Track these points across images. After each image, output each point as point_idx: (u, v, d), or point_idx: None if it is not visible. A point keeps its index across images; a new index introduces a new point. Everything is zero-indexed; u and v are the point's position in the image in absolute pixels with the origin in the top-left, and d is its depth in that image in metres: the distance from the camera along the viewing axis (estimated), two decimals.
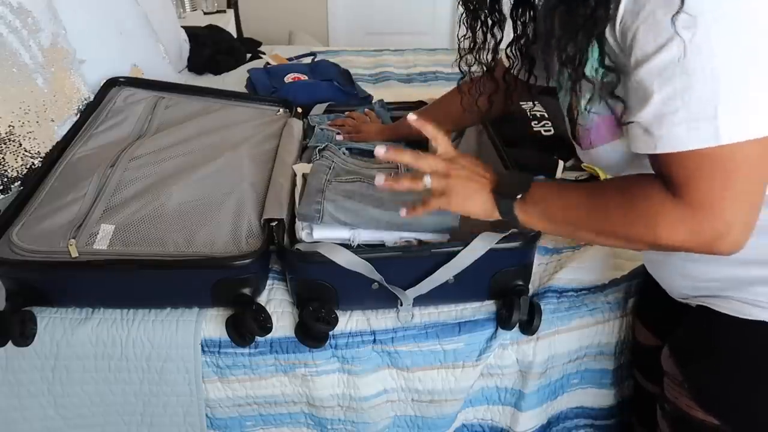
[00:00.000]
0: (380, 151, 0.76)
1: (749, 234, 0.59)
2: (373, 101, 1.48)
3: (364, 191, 0.98)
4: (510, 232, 0.93)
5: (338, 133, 1.28)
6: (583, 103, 0.68)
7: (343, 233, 0.96)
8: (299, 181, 1.08)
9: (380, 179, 0.77)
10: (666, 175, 0.61)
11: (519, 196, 0.72)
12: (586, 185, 0.72)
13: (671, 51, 0.55)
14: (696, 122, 0.56)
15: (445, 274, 0.92)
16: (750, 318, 0.69)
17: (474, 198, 0.76)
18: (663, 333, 0.88)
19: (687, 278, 0.76)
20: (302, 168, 1.11)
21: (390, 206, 0.96)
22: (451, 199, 0.76)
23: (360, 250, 0.92)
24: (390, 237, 0.96)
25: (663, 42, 0.55)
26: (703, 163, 0.57)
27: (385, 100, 1.47)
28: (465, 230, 1.01)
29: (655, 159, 0.62)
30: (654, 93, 0.57)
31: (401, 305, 0.96)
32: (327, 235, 0.95)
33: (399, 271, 0.93)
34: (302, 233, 0.96)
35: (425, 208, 0.79)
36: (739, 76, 0.54)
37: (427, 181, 0.77)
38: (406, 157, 0.78)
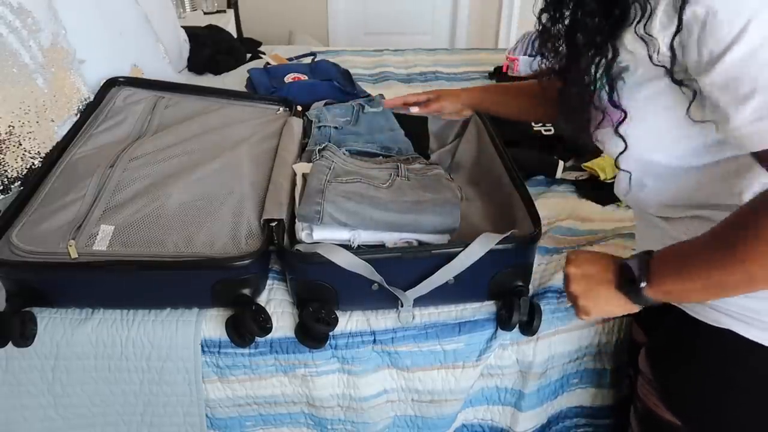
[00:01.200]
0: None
1: None
2: (374, 96, 1.48)
3: (364, 192, 0.98)
4: (510, 233, 0.93)
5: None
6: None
7: (343, 234, 0.96)
8: (299, 181, 1.08)
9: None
10: None
11: (643, 284, 0.66)
12: (701, 237, 0.63)
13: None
14: None
15: (446, 275, 0.92)
16: (721, 326, 0.69)
17: (606, 301, 0.73)
18: (653, 330, 0.89)
19: None
20: (302, 168, 1.11)
21: (390, 207, 0.96)
22: (588, 308, 0.74)
23: (360, 251, 0.92)
24: (390, 238, 0.96)
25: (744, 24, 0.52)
26: None
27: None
28: (465, 231, 1.01)
29: None
30: (758, 77, 0.54)
31: (401, 306, 0.96)
32: (327, 236, 0.95)
33: (399, 271, 0.93)
34: (302, 234, 0.96)
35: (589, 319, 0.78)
36: None
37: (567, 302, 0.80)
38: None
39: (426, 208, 0.97)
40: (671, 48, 0.59)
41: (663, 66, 0.61)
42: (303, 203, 0.96)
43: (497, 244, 0.91)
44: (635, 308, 0.71)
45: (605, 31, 0.63)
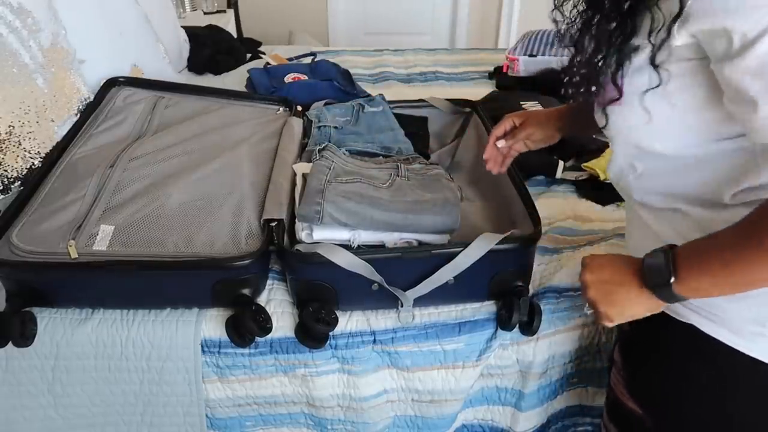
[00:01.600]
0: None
1: None
2: (374, 96, 1.48)
3: (364, 192, 0.98)
4: (510, 233, 0.93)
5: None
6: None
7: (343, 234, 0.96)
8: (299, 181, 1.08)
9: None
10: None
11: (672, 279, 0.64)
12: (727, 230, 0.62)
13: None
14: None
15: (446, 275, 0.92)
16: (686, 321, 0.71)
17: (630, 303, 0.71)
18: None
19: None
20: (302, 168, 1.11)
21: (390, 207, 0.96)
22: (610, 314, 0.73)
23: (360, 251, 0.92)
24: (390, 238, 0.96)
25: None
26: None
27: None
28: (465, 231, 1.01)
29: None
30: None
31: (401, 306, 0.96)
32: (327, 236, 0.95)
33: (399, 272, 0.93)
34: (302, 234, 0.96)
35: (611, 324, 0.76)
36: None
37: (587, 310, 0.78)
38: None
39: (426, 208, 0.97)
40: (668, 29, 0.59)
41: (651, 43, 0.61)
42: (303, 203, 0.96)
43: (497, 244, 0.91)
44: (660, 307, 0.69)
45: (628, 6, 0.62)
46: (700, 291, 0.65)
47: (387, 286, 0.92)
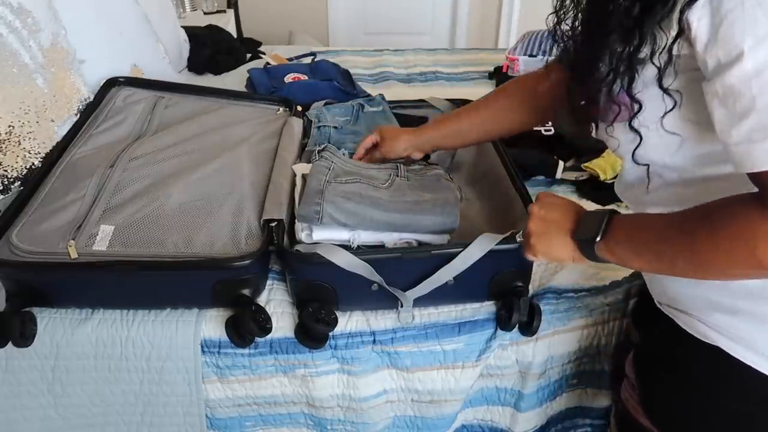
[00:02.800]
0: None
1: None
2: (374, 96, 1.48)
3: (364, 192, 0.98)
4: (510, 233, 0.92)
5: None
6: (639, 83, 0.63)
7: (342, 234, 0.96)
8: (299, 181, 1.08)
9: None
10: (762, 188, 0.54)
11: (598, 238, 0.68)
12: (666, 216, 0.64)
13: None
14: None
15: (446, 275, 0.92)
16: (706, 341, 0.69)
17: (558, 246, 0.74)
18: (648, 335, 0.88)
19: (662, 285, 0.75)
20: (302, 168, 1.11)
21: (389, 207, 0.96)
22: (537, 248, 0.76)
23: (360, 251, 0.92)
24: (389, 238, 0.96)
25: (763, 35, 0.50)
26: None
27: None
28: (465, 231, 1.01)
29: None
30: (756, 98, 0.51)
31: (401, 306, 0.96)
32: (327, 236, 0.95)
33: (399, 272, 0.93)
34: (302, 234, 0.96)
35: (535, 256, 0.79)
36: None
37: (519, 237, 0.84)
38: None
39: (426, 208, 0.97)
40: (669, 51, 0.57)
41: (657, 66, 0.59)
42: (302, 203, 0.96)
43: (497, 244, 0.91)
44: (581, 260, 0.72)
45: (635, 15, 0.58)
46: (619, 258, 0.68)
47: (387, 287, 0.92)
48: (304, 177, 1.08)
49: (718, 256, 0.57)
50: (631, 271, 1.07)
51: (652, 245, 0.64)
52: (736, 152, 0.54)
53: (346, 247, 0.92)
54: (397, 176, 1.06)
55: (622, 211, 0.70)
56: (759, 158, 0.52)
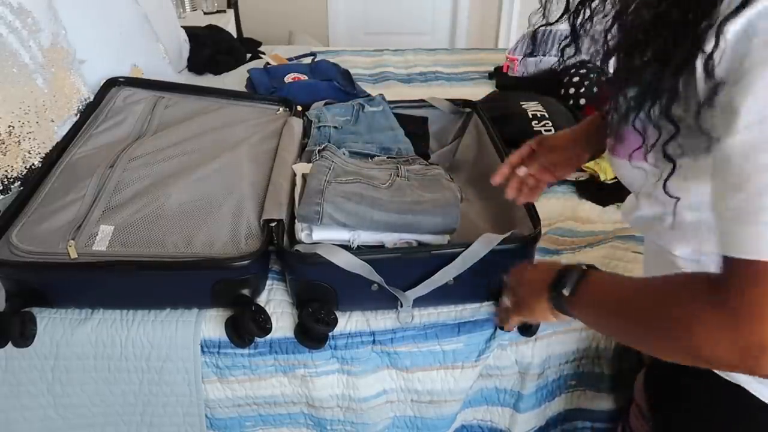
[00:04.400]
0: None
1: None
2: (374, 96, 1.47)
3: (364, 192, 0.98)
4: (510, 233, 0.92)
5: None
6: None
7: (342, 234, 0.96)
8: (299, 181, 1.08)
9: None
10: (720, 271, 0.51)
11: (566, 293, 0.68)
12: (639, 286, 0.62)
13: None
14: None
15: (446, 275, 0.92)
16: (733, 381, 0.65)
17: (541, 307, 0.74)
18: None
19: None
20: (302, 168, 1.11)
21: (389, 207, 0.96)
22: (524, 313, 0.80)
23: (360, 251, 0.92)
24: (389, 238, 0.96)
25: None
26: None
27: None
28: (465, 231, 1.01)
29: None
30: (750, 176, 0.46)
31: (401, 306, 0.96)
32: (326, 237, 0.95)
33: (399, 272, 0.93)
34: (302, 234, 0.96)
35: (508, 328, 0.88)
36: None
37: (506, 302, 0.85)
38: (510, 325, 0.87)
39: (426, 208, 0.97)
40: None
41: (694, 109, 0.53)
42: (302, 203, 0.96)
43: (498, 245, 0.91)
44: (550, 317, 0.72)
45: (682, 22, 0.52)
46: (586, 319, 0.67)
47: (387, 287, 0.92)
48: (304, 177, 1.08)
49: (664, 339, 0.55)
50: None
51: (610, 318, 0.63)
52: (721, 228, 0.50)
53: (346, 247, 0.92)
54: (398, 176, 1.06)
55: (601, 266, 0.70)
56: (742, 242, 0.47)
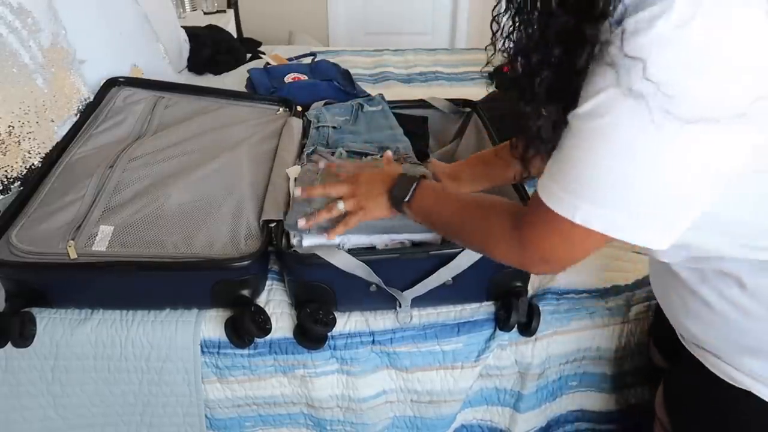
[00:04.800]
0: (297, 192, 0.95)
1: (561, 269, 0.66)
2: (373, 96, 1.47)
3: None
4: None
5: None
6: None
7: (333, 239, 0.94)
8: (292, 184, 1.08)
9: (302, 223, 0.91)
10: (530, 201, 0.63)
11: (406, 200, 0.83)
12: (464, 197, 0.80)
13: (597, 108, 0.51)
14: (561, 198, 0.56)
15: (444, 275, 0.92)
16: (737, 385, 0.66)
17: (378, 205, 0.87)
18: (671, 357, 0.85)
19: (684, 323, 0.72)
20: (295, 172, 1.10)
21: None
22: (366, 213, 0.88)
23: (358, 252, 0.92)
24: (379, 240, 0.95)
25: (597, 91, 0.51)
26: (553, 220, 0.58)
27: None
28: None
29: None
30: (566, 140, 0.56)
31: (400, 307, 0.96)
32: (317, 242, 0.94)
33: (397, 273, 0.93)
34: (294, 241, 0.95)
35: (347, 227, 0.89)
36: (634, 174, 0.51)
37: (341, 206, 0.90)
38: (317, 191, 0.93)
39: None
40: None
41: None
42: (289, 213, 0.96)
43: None
44: (388, 214, 0.87)
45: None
46: (421, 220, 0.83)
47: (385, 287, 0.92)
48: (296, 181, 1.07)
49: (477, 243, 0.75)
50: (633, 277, 1.07)
51: (439, 217, 0.80)
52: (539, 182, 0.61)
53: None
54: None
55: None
56: (549, 191, 0.58)
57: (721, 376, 0.67)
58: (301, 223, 0.91)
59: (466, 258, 0.90)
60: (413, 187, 0.83)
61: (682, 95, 0.47)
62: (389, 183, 0.86)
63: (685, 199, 0.53)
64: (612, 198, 0.53)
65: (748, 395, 0.65)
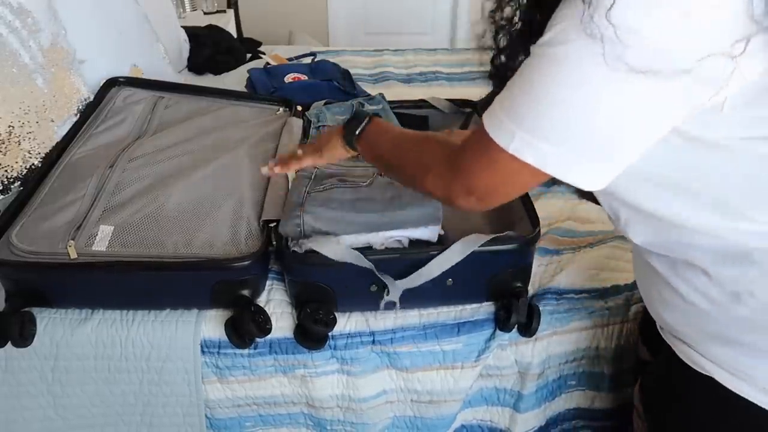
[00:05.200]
0: (264, 170, 0.97)
1: (485, 207, 0.66)
2: (374, 96, 1.47)
3: (342, 197, 0.97)
4: (506, 234, 0.92)
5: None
6: None
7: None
8: (291, 185, 1.08)
9: (264, 170, 0.97)
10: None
11: (357, 133, 0.84)
12: (409, 133, 0.81)
13: (545, 41, 0.53)
14: (501, 121, 0.57)
15: (435, 269, 0.91)
16: (702, 372, 0.67)
17: (333, 145, 0.89)
18: (656, 352, 0.85)
19: (658, 311, 0.73)
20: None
21: (368, 209, 0.95)
22: (322, 154, 0.91)
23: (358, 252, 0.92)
24: (376, 239, 0.94)
25: (560, 21, 0.51)
26: (488, 147, 0.58)
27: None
28: (464, 232, 1.01)
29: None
30: (521, 68, 0.56)
31: (387, 294, 0.93)
32: (314, 246, 0.94)
33: (397, 273, 0.93)
34: (290, 244, 0.95)
35: (299, 163, 0.93)
36: (574, 107, 0.52)
37: (299, 151, 0.94)
38: (292, 166, 0.95)
39: (405, 201, 0.95)
40: None
41: None
42: (283, 220, 0.96)
43: (489, 244, 0.90)
44: (342, 153, 0.88)
45: None
46: (366, 154, 0.84)
47: (377, 273, 0.90)
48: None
49: (411, 172, 0.74)
50: (633, 277, 1.07)
51: (384, 150, 0.81)
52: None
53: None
54: (380, 174, 1.04)
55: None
56: (489, 116, 0.59)
57: (689, 363, 0.69)
58: (264, 169, 0.96)
59: (454, 252, 0.90)
60: (362, 123, 0.84)
61: (634, 42, 0.47)
62: (343, 127, 0.88)
63: (618, 143, 0.54)
64: (550, 131, 0.54)
65: (712, 381, 0.66)
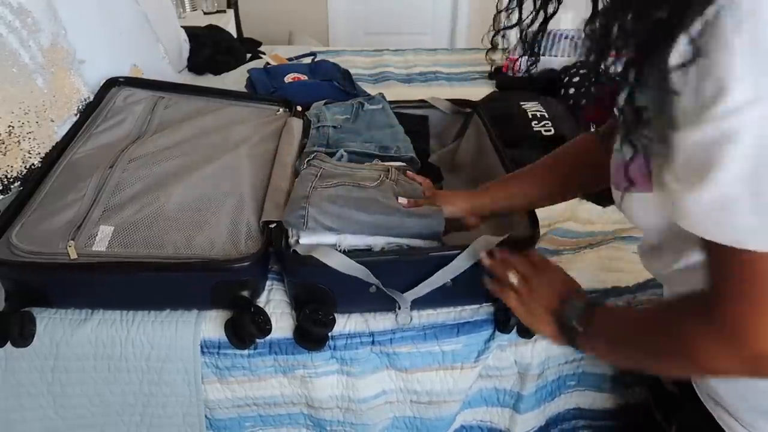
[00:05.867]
0: (485, 259, 0.85)
1: None
2: (374, 96, 1.47)
3: (348, 194, 0.96)
4: (507, 235, 0.92)
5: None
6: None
7: (329, 238, 0.94)
8: (297, 181, 1.07)
9: (404, 201, 0.92)
10: (709, 272, 0.50)
11: (580, 330, 0.69)
12: (642, 315, 0.66)
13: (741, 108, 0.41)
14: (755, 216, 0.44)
15: (442, 277, 0.92)
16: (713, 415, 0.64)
17: (541, 320, 0.76)
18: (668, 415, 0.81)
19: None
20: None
21: (375, 210, 0.94)
22: (523, 310, 0.78)
23: (357, 253, 0.91)
24: (375, 242, 0.94)
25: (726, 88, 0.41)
26: (758, 265, 0.45)
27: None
28: (463, 232, 1.01)
29: (707, 244, 0.49)
30: (717, 164, 0.43)
31: (399, 308, 0.95)
32: (314, 241, 0.94)
33: (396, 273, 0.93)
34: (291, 240, 0.95)
35: (508, 302, 0.81)
36: None
37: (513, 279, 0.80)
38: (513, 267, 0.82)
39: (411, 211, 0.95)
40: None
41: None
42: (287, 210, 0.95)
43: (495, 246, 0.90)
44: (562, 342, 0.73)
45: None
46: (600, 354, 0.72)
47: (384, 289, 0.92)
48: None
49: (674, 362, 0.58)
50: (634, 279, 1.07)
51: (623, 346, 0.65)
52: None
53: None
54: (388, 178, 1.04)
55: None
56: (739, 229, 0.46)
57: (725, 428, 0.65)
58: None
59: (465, 260, 0.90)
60: (591, 314, 0.68)
61: None
62: (558, 299, 0.73)
63: None
64: None
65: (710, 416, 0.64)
